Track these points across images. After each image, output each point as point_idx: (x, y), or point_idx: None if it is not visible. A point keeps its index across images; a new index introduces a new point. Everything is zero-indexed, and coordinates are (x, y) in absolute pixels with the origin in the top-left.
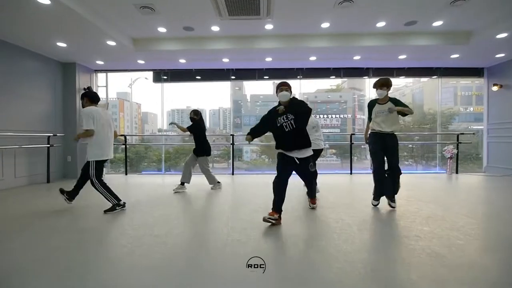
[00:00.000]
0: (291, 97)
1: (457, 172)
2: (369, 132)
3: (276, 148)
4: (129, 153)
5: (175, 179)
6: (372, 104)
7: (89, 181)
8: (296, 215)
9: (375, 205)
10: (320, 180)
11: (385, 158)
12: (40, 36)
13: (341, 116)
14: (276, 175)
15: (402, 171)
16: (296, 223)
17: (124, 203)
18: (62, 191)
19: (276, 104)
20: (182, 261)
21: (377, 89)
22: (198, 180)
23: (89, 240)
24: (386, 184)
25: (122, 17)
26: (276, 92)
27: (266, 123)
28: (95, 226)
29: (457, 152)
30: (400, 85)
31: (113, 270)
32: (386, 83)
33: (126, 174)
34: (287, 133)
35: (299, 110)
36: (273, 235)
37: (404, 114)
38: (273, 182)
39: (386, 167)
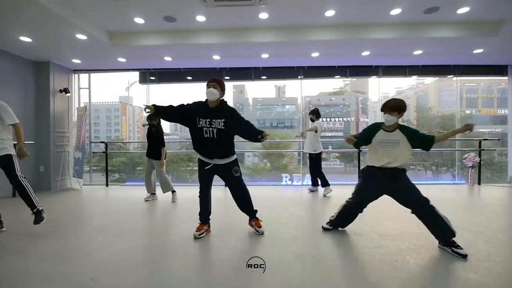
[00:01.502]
0: (221, 98)
1: (479, 183)
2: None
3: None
4: (124, 158)
5: (158, 191)
6: (374, 128)
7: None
8: (295, 250)
9: (325, 229)
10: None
11: (398, 199)
12: None
13: (344, 119)
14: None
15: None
16: (295, 264)
17: None
18: None
19: (277, 108)
20: None
21: (385, 113)
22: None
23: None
24: (431, 224)
25: (91, 5)
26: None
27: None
28: (34, 257)
29: (480, 160)
30: (403, 88)
31: None
32: (399, 107)
33: (107, 185)
34: (207, 140)
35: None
36: None
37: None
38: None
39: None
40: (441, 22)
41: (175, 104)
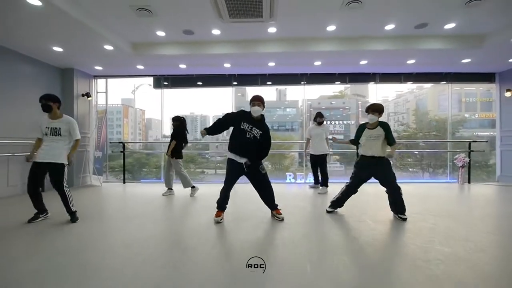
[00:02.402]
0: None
1: (469, 182)
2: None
3: (229, 150)
4: (130, 159)
5: (176, 188)
6: (362, 128)
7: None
8: (302, 231)
9: (329, 212)
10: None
11: (379, 181)
12: (34, 40)
13: (345, 122)
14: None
15: (410, 180)
16: (302, 241)
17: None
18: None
19: (278, 111)
20: None
21: (368, 113)
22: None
23: (71, 261)
24: (394, 202)
25: (119, 20)
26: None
27: (226, 124)
28: (78, 243)
29: (469, 160)
30: (403, 92)
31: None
32: (378, 109)
33: (124, 182)
34: (247, 140)
35: (265, 134)
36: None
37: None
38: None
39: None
40: (430, 35)
41: (221, 116)
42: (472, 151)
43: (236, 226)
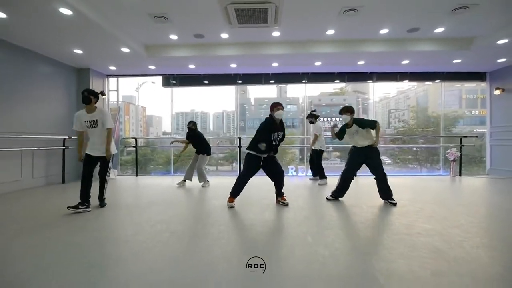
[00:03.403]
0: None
1: (460, 175)
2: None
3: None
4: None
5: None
6: (343, 129)
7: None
8: (304, 214)
9: (328, 200)
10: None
11: (370, 168)
12: (59, 43)
13: None
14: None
15: (403, 174)
16: (304, 221)
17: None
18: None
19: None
20: (199, 254)
21: (342, 115)
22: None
23: (108, 236)
24: (381, 189)
25: (137, 26)
26: (272, 109)
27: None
28: (111, 223)
29: (460, 154)
30: (404, 88)
31: (132, 267)
32: (348, 110)
33: (136, 175)
34: (273, 143)
35: (284, 134)
36: (275, 233)
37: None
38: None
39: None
40: (422, 38)
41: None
42: (463, 145)
43: (246, 209)
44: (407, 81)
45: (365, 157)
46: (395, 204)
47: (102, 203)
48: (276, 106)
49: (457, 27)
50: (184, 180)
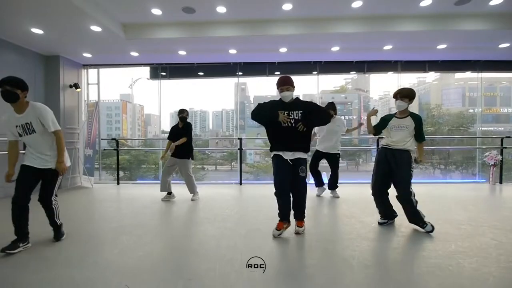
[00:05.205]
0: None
1: (501, 182)
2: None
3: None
4: (127, 156)
5: (179, 190)
6: (389, 117)
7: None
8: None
9: (381, 224)
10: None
11: (393, 181)
12: (10, 20)
13: (346, 117)
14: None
15: (428, 181)
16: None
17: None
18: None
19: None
20: None
21: (397, 100)
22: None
23: None
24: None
25: None
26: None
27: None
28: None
29: (502, 158)
30: (405, 86)
31: None
32: (409, 94)
33: (118, 183)
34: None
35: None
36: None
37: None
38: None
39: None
40: (471, 14)
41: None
42: (505, 148)
43: (247, 238)
44: (436, 71)
45: (392, 163)
46: (431, 231)
47: (57, 234)
48: (280, 85)
49: None
50: (170, 193)
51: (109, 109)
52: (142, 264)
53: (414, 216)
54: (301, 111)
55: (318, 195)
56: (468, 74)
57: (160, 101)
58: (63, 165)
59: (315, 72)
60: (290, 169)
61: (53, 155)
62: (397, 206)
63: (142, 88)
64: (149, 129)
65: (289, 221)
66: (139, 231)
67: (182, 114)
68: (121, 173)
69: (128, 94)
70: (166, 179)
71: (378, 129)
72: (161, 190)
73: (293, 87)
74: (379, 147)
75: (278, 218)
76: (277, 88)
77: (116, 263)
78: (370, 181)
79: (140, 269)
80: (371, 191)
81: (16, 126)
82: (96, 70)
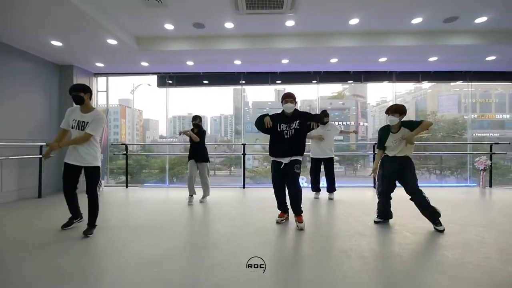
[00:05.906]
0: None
1: (490, 186)
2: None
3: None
4: (130, 161)
5: (185, 193)
6: (385, 133)
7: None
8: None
9: (376, 222)
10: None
11: (401, 183)
12: (31, 33)
13: (344, 123)
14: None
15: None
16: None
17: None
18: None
19: (278, 111)
20: None
21: (388, 115)
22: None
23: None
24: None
25: (125, 11)
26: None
27: None
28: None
29: (491, 163)
30: (402, 92)
31: None
32: (399, 109)
33: (126, 186)
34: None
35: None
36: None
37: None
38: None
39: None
40: (459, 30)
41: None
42: (494, 153)
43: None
44: (428, 81)
45: (399, 167)
46: (442, 231)
47: (88, 230)
48: (284, 98)
49: (501, 16)
50: (191, 196)
51: (108, 113)
52: (166, 257)
53: (430, 211)
54: (299, 121)
55: (315, 198)
56: (462, 83)
57: (167, 108)
58: (55, 146)
59: (315, 81)
60: (285, 171)
61: (91, 153)
62: (396, 207)
63: (144, 94)
64: (147, 134)
65: (287, 212)
66: (157, 230)
67: (195, 120)
68: (123, 178)
69: (127, 99)
70: (192, 181)
71: (381, 147)
72: (190, 194)
73: (295, 101)
74: (384, 156)
75: (279, 211)
76: (281, 101)
77: (142, 255)
78: (372, 185)
79: (165, 260)
80: (376, 195)
81: (74, 120)
82: (105, 78)
